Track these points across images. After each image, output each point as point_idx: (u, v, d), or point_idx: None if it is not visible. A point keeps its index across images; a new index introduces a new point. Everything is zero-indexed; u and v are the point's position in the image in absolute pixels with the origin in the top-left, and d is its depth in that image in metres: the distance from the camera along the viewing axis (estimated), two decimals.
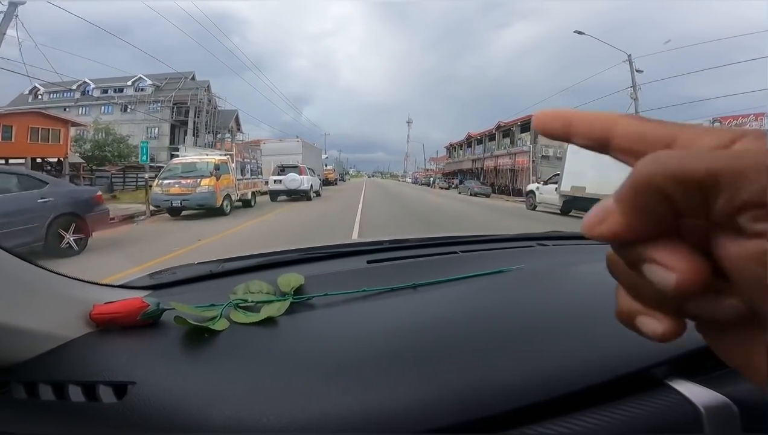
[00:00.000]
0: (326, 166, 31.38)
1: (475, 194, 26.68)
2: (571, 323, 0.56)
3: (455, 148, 48.60)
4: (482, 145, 37.54)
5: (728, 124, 17.24)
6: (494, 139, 34.53)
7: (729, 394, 0.44)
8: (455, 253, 0.98)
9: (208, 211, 9.55)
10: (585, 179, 12.24)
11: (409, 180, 68.47)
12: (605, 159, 0.15)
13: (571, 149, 13.66)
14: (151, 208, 9.70)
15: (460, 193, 29.13)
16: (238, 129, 40.17)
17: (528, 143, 28.41)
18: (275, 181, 14.16)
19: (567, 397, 0.42)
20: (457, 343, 0.51)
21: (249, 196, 11.89)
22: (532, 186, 16.30)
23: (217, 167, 9.61)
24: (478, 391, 0.42)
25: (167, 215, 9.63)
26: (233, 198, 10.50)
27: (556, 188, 14.15)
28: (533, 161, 27.21)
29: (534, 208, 15.62)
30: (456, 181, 42.49)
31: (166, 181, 9.37)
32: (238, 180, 11.07)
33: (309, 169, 15.91)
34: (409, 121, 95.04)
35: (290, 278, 0.66)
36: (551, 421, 0.40)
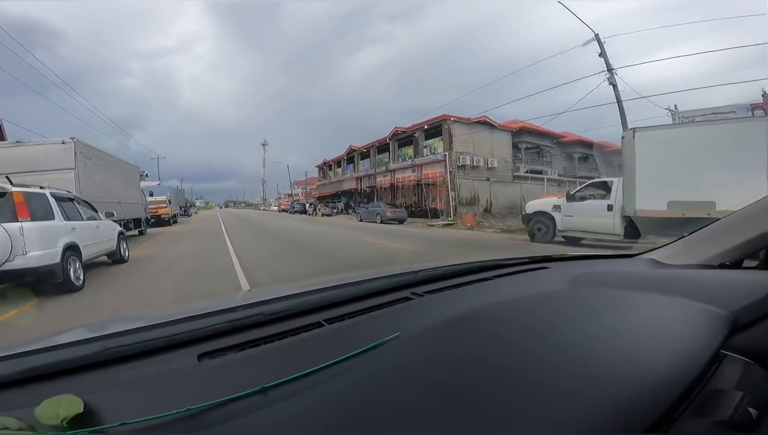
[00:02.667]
0: (151, 195, 19.62)
1: (386, 221, 19.72)
2: (460, 416, 0.45)
3: (331, 166, 41.35)
4: (369, 160, 31.25)
5: None
6: (387, 151, 28.55)
7: None
8: (320, 325, 0.76)
9: None
10: (707, 189, 6.39)
11: (275, 208, 57.54)
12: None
13: (644, 140, 7.35)
14: None
15: (361, 220, 21.75)
16: None
17: (439, 150, 23.11)
18: None
19: None
20: None
21: None
22: (541, 203, 9.93)
23: None
24: None
25: None
26: None
27: (609, 205, 8.14)
28: (450, 172, 21.94)
29: (551, 239, 9.28)
30: (340, 205, 35.16)
31: None
32: None
33: (76, 203, 6.02)
34: (264, 144, 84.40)
35: (58, 403, 0.43)
36: None
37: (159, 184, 28.87)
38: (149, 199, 18.44)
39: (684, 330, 0.70)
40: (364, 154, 32.53)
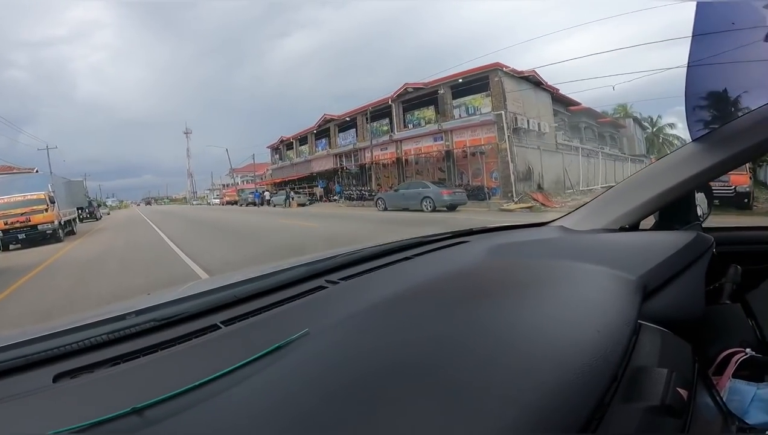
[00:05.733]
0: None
1: (439, 208, 12.90)
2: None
3: (290, 145, 32.66)
4: (355, 130, 23.72)
5: None
6: (387, 116, 21.28)
7: None
8: (216, 328, 0.65)
9: None
10: None
11: (216, 200, 46.84)
12: None
13: None
14: None
15: (385, 209, 14.63)
16: None
17: (485, 109, 16.53)
18: None
19: None
20: None
21: None
22: None
23: None
24: None
25: None
26: None
27: None
28: (508, 138, 15.53)
29: None
30: (319, 191, 27.09)
31: None
32: None
33: None
34: (187, 132, 71.43)
35: None
36: None
37: (38, 172, 18.47)
38: None
39: (601, 299, 0.67)
40: (346, 125, 24.84)
